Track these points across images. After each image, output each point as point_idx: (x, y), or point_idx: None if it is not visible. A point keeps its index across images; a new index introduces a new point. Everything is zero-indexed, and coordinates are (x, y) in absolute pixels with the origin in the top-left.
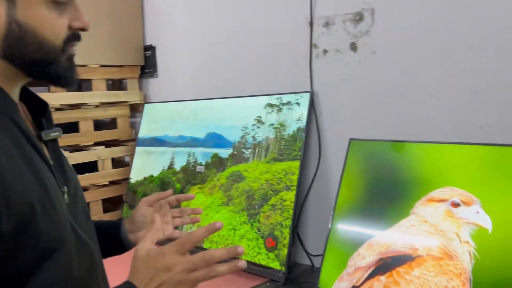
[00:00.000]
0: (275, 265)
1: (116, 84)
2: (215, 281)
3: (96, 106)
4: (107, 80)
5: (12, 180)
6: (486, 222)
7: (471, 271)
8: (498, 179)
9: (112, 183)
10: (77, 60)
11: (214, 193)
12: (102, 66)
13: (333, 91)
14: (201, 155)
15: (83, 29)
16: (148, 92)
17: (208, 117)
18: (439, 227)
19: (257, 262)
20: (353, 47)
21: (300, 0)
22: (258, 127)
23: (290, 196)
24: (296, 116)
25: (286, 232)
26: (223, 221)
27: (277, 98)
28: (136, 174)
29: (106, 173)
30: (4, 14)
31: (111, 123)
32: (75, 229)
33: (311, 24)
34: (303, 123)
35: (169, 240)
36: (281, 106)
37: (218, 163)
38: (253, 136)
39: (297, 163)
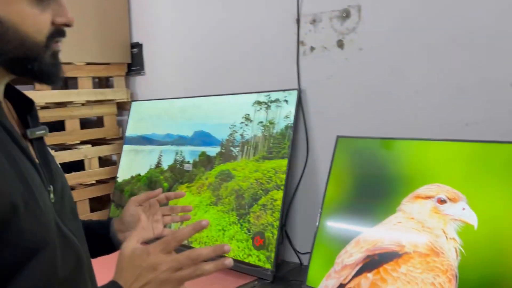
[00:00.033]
0: (263, 263)
1: (102, 82)
2: (201, 280)
3: (83, 104)
4: (94, 78)
5: None
6: (472, 219)
7: (457, 268)
8: (484, 175)
9: (99, 182)
10: (63, 58)
11: (202, 192)
12: (88, 64)
13: (320, 88)
14: (189, 153)
15: (67, 25)
16: (135, 90)
17: (195, 115)
18: (425, 224)
19: (245, 261)
20: (340, 44)
21: None
22: (246, 125)
23: (280, 196)
24: (284, 114)
25: (277, 232)
26: (212, 221)
27: (265, 96)
28: (124, 173)
29: (93, 172)
30: None
31: (98, 122)
32: (61, 228)
33: (298, 21)
34: (290, 120)
35: (160, 238)
36: (269, 103)
37: (206, 161)
38: (241, 134)
39: (286, 161)
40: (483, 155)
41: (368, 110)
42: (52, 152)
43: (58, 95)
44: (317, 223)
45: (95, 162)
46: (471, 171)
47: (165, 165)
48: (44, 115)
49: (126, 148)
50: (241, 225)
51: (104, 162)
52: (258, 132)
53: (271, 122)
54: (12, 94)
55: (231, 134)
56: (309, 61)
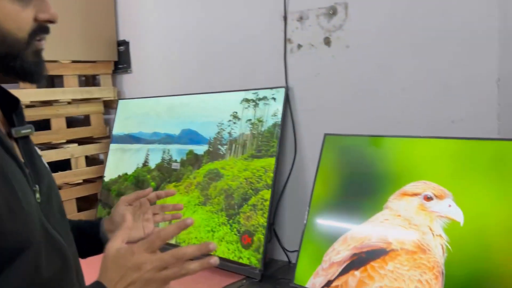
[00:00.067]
0: (251, 261)
1: (89, 80)
2: (187, 279)
3: (69, 103)
4: (80, 76)
5: None
6: (458, 215)
7: (443, 264)
8: (470, 172)
9: (86, 181)
10: (48, 56)
11: (190, 191)
12: (74, 62)
13: (307, 86)
14: (176, 151)
15: (50, 21)
16: (122, 88)
17: (183, 113)
18: (412, 221)
19: (232, 259)
20: (327, 41)
21: None
22: (234, 123)
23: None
24: (272, 112)
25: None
26: (201, 222)
27: (253, 93)
28: (111, 172)
29: (80, 171)
30: None
31: (85, 121)
32: (47, 228)
33: (285, 18)
34: (278, 118)
35: None
36: (257, 101)
37: (193, 160)
38: (229, 133)
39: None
40: (469, 152)
41: (355, 107)
42: (39, 151)
43: (44, 93)
44: (304, 221)
45: (82, 161)
46: (457, 168)
47: (152, 164)
48: (30, 114)
49: (113, 146)
50: (231, 225)
51: (91, 161)
52: (246, 130)
53: (260, 120)
54: None
55: (218, 133)
56: (296, 58)
